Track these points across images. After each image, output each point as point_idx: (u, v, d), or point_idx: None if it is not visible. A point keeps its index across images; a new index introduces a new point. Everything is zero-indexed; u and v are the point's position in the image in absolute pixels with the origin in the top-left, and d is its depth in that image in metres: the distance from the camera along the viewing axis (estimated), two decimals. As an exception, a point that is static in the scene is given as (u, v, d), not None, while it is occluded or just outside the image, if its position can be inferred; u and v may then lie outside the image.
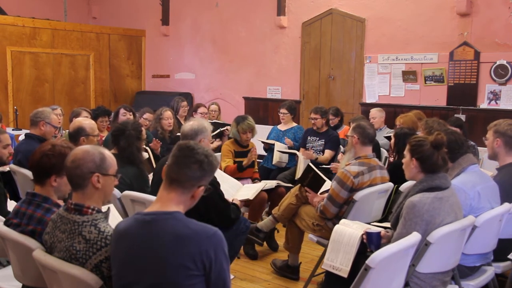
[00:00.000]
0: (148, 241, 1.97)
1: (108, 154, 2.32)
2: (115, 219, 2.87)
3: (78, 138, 4.03)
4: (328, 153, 5.88)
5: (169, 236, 1.95)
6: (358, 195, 3.67)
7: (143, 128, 4.29)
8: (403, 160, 3.02)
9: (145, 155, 4.40)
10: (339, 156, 5.61)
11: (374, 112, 6.60)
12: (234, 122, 5.32)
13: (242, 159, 5.17)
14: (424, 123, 4.69)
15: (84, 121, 4.26)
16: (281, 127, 6.45)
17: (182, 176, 2.05)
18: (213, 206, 3.33)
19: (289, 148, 6.12)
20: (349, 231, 3.01)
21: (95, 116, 5.79)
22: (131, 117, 5.99)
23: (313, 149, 5.98)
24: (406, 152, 2.98)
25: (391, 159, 4.86)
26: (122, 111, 6.11)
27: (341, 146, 5.97)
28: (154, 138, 5.45)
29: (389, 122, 6.61)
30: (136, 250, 1.99)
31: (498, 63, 6.48)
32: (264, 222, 4.42)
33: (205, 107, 6.81)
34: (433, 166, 2.86)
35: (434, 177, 2.86)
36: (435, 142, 2.85)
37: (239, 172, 5.07)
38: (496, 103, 6.56)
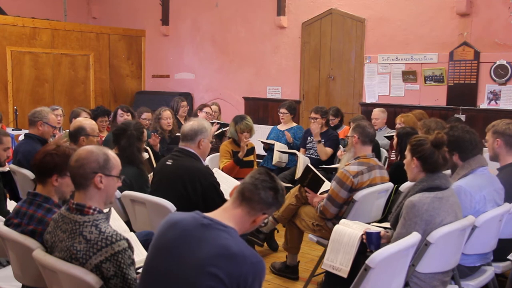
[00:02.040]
0: (197, 241, 1.97)
1: (113, 155, 2.33)
2: (114, 221, 2.87)
3: (78, 137, 4.04)
4: (328, 149, 5.88)
5: (218, 246, 1.95)
6: (358, 195, 3.67)
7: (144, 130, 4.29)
8: (405, 161, 3.02)
9: (145, 155, 4.40)
10: (339, 152, 5.61)
11: (376, 112, 6.59)
12: (232, 121, 5.32)
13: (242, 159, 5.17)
14: (422, 124, 4.69)
15: (85, 121, 4.26)
16: (281, 127, 6.45)
17: (255, 196, 2.09)
18: (213, 206, 3.32)
19: (289, 146, 6.12)
20: (349, 231, 3.01)
21: (94, 116, 5.79)
22: (129, 117, 5.97)
23: (313, 149, 5.98)
24: (407, 152, 2.98)
25: (393, 158, 4.86)
26: (119, 111, 6.09)
27: (340, 146, 5.98)
28: (152, 133, 5.40)
29: (389, 122, 6.62)
30: (182, 244, 1.98)
31: (498, 63, 6.48)
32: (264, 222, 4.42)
33: (210, 107, 6.80)
34: (434, 165, 2.86)
35: (434, 176, 2.86)
36: (435, 141, 2.85)
37: (237, 166, 5.04)
38: (496, 103, 6.56)
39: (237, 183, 4.49)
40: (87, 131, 4.08)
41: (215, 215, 2.08)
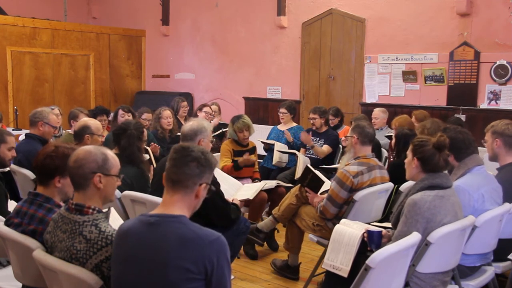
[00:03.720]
0: (151, 242, 1.98)
1: (111, 154, 2.33)
2: (115, 220, 2.87)
3: (83, 135, 4.09)
4: (326, 147, 5.89)
5: (173, 238, 1.95)
6: (358, 195, 3.67)
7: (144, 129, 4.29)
8: (405, 160, 3.02)
9: (146, 156, 4.40)
10: (343, 139, 5.60)
11: (377, 112, 6.59)
12: (230, 122, 5.33)
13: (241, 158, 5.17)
14: (420, 125, 4.69)
15: (90, 120, 4.34)
16: (281, 127, 6.45)
17: (182, 175, 2.06)
18: (213, 206, 3.33)
19: (289, 146, 6.12)
20: (349, 231, 3.01)
21: (93, 115, 5.80)
22: (130, 117, 5.99)
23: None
24: (409, 152, 2.99)
25: (391, 159, 4.86)
26: (120, 112, 6.11)
27: (340, 146, 5.98)
28: (152, 143, 5.44)
29: (389, 122, 6.61)
30: (138, 251, 1.99)
31: (498, 63, 6.48)
32: (264, 222, 4.42)
33: (210, 107, 6.81)
34: (434, 167, 2.87)
35: (435, 175, 2.87)
36: (438, 143, 2.86)
37: (235, 171, 5.06)
38: (496, 103, 6.56)
39: (237, 182, 4.53)
40: (92, 130, 4.13)
41: (159, 210, 2.07)
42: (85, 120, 4.37)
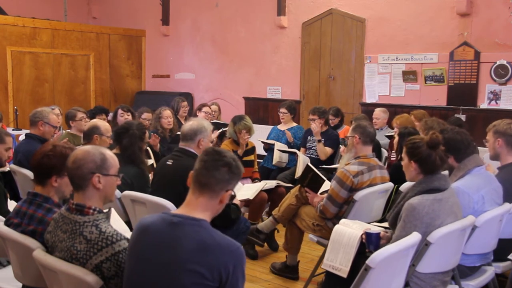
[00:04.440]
0: (171, 241, 1.97)
1: (110, 154, 2.32)
2: (115, 221, 2.87)
3: (91, 136, 4.11)
4: (328, 149, 5.88)
5: (193, 242, 1.95)
6: (358, 195, 3.67)
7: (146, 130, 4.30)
8: (402, 163, 3.01)
9: (149, 161, 4.43)
10: (342, 148, 5.60)
11: (378, 112, 6.58)
12: (231, 122, 5.33)
13: (242, 159, 5.17)
14: (424, 123, 4.68)
15: (99, 121, 4.38)
16: (281, 127, 6.45)
17: (212, 179, 2.05)
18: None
19: (289, 146, 6.12)
20: (349, 231, 3.01)
21: (92, 115, 5.81)
22: (129, 117, 6.00)
23: (313, 149, 5.99)
24: (404, 155, 2.96)
25: (393, 159, 4.85)
26: (120, 111, 6.11)
27: (341, 146, 5.97)
28: (152, 133, 5.42)
29: (390, 122, 6.61)
30: (156, 248, 1.99)
31: (498, 63, 6.48)
32: (265, 223, 4.42)
33: (209, 107, 6.81)
34: (432, 166, 2.85)
35: (433, 178, 2.85)
36: (431, 142, 2.83)
37: None
38: (496, 103, 6.56)
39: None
40: (101, 130, 4.16)
41: (182, 210, 2.07)
42: (94, 121, 4.44)
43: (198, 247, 1.94)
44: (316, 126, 5.82)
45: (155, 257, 1.98)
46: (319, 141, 5.81)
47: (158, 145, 5.45)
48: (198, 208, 2.05)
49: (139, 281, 2.01)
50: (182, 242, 1.96)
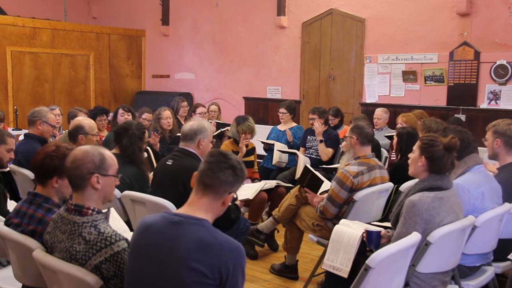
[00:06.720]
0: (172, 240, 1.98)
1: (109, 154, 2.32)
2: (115, 221, 2.87)
3: (76, 136, 4.06)
4: (329, 150, 5.88)
5: (193, 241, 1.96)
6: (358, 195, 3.67)
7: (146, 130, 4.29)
8: (411, 155, 2.99)
9: (145, 154, 4.39)
10: (343, 143, 5.60)
11: (379, 112, 6.58)
12: (234, 121, 5.32)
13: (242, 159, 5.16)
14: (422, 123, 4.68)
15: (84, 120, 4.31)
16: (281, 127, 6.45)
17: (216, 180, 2.06)
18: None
19: (289, 146, 6.12)
20: (349, 231, 3.01)
21: (92, 115, 5.80)
22: (130, 117, 5.98)
23: (313, 149, 5.99)
24: (416, 148, 2.95)
25: (394, 158, 4.84)
26: (120, 111, 6.10)
27: (340, 145, 5.97)
28: (152, 132, 5.41)
29: (390, 122, 6.61)
30: (157, 247, 2.00)
31: (498, 63, 6.48)
32: (265, 223, 4.42)
33: (204, 107, 6.80)
34: (442, 167, 2.85)
35: (437, 177, 2.86)
36: (448, 145, 2.83)
37: None
38: (496, 103, 6.56)
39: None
40: (86, 130, 4.11)
41: (184, 210, 2.08)
42: (79, 119, 4.33)
43: (199, 246, 1.95)
44: (318, 125, 5.82)
45: (156, 256, 1.99)
46: (321, 141, 5.80)
47: (158, 144, 5.44)
48: (200, 209, 2.06)
49: (141, 279, 2.02)
50: (183, 240, 1.96)
